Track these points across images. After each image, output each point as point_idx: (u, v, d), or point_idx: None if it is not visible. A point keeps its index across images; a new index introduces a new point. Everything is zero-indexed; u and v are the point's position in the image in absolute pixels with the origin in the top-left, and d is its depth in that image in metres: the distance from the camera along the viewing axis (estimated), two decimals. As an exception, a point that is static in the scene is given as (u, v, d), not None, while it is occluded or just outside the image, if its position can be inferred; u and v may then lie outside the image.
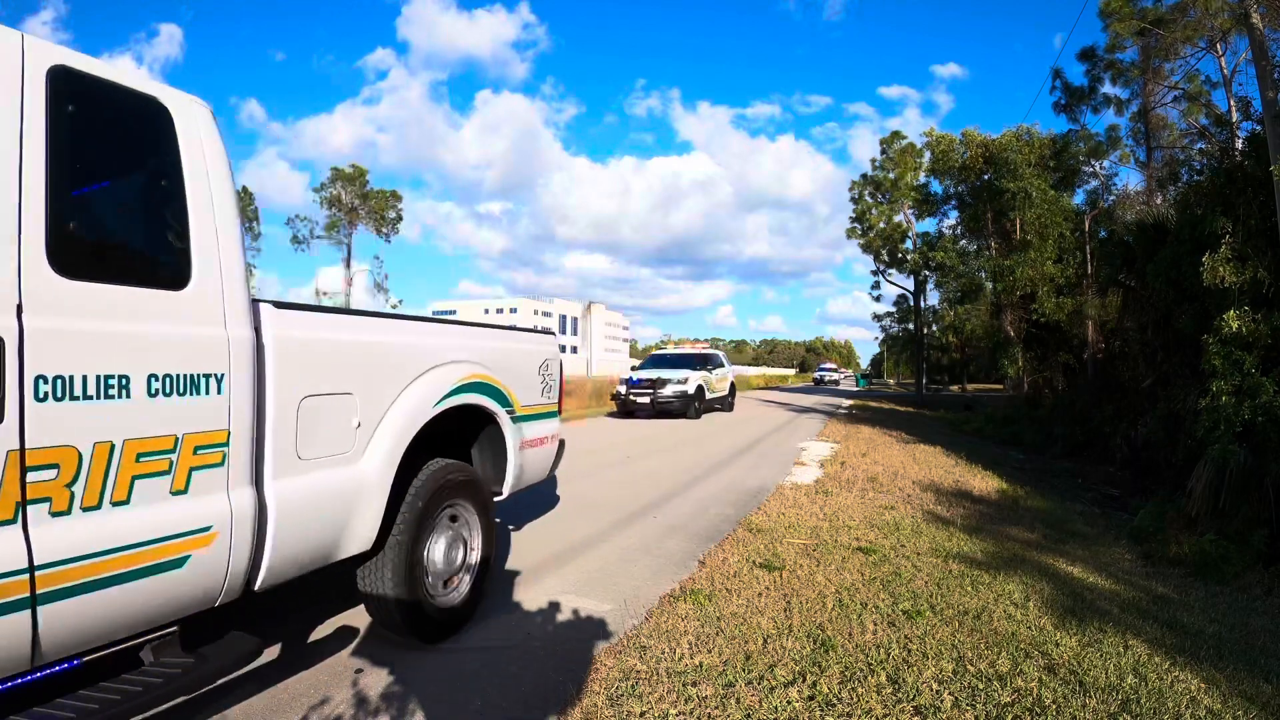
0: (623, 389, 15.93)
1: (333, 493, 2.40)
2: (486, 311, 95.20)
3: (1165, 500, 6.71)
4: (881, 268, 32.87)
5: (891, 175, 30.48)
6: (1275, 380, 5.98)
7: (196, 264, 1.97)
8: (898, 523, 5.73)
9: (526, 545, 4.76)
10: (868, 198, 31.72)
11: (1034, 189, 19.48)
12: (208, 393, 1.94)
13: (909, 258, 30.69)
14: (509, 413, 3.51)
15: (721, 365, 18.42)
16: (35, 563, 1.55)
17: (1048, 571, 4.54)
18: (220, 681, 2.15)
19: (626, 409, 15.74)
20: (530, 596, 3.72)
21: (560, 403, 4.29)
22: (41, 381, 1.57)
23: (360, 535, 2.54)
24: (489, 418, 3.42)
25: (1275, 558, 5.17)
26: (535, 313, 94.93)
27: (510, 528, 5.24)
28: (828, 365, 75.51)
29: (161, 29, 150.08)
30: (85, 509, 1.67)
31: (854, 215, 32.29)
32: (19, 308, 1.55)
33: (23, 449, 1.53)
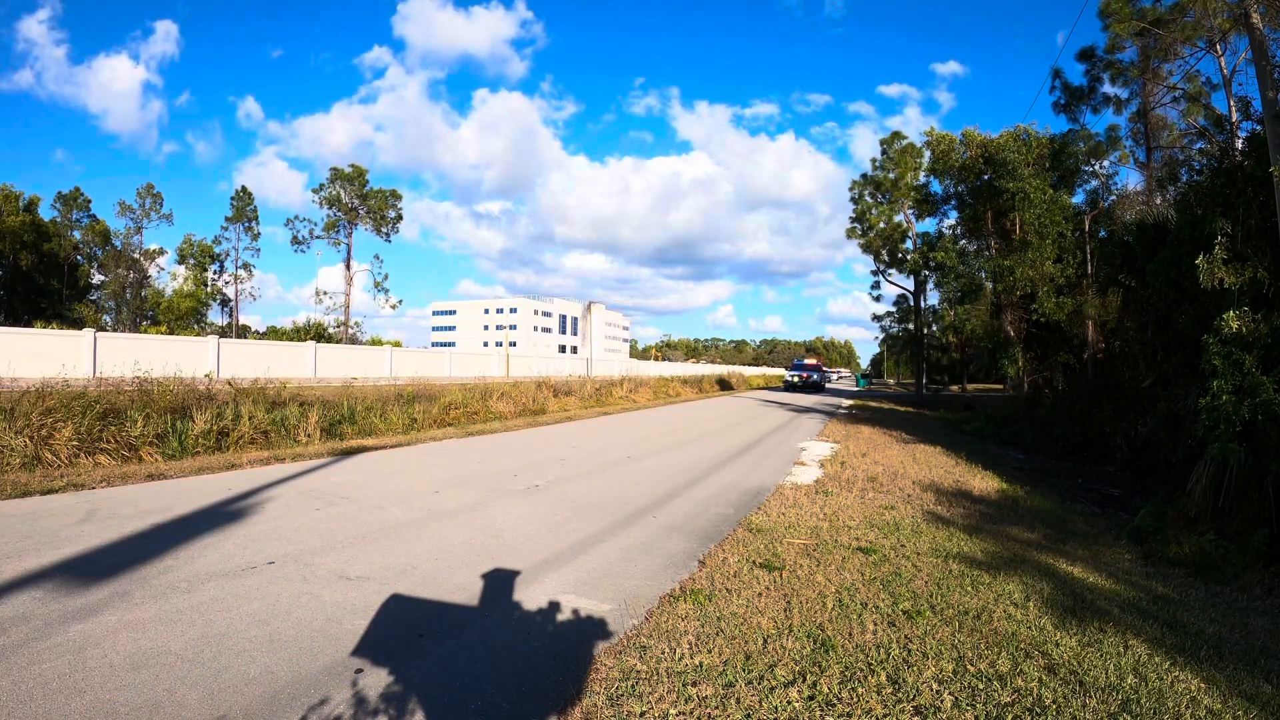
0: None
1: None
2: (487, 312, 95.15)
3: (1165, 500, 6.71)
4: (881, 268, 32.91)
5: (891, 175, 30.50)
6: (1275, 380, 5.98)
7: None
8: (898, 523, 5.73)
9: (526, 545, 4.75)
10: (868, 198, 31.74)
11: (1032, 189, 19.50)
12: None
13: (909, 258, 30.72)
14: None
15: None
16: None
17: (1048, 571, 4.54)
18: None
19: None
20: (530, 596, 3.72)
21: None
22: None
23: None
24: None
25: (1275, 558, 5.17)
26: (535, 312, 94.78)
27: (510, 527, 5.24)
28: (807, 361, 45.98)
29: (158, 26, 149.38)
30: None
31: (854, 215, 32.34)
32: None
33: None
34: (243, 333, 51.85)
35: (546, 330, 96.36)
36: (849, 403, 28.65)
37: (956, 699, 2.65)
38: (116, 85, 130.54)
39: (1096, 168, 21.49)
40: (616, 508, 6.11)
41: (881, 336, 38.74)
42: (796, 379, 41.34)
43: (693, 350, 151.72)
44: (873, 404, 28.65)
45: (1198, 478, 6.27)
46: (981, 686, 2.76)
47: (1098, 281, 17.25)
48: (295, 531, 4.87)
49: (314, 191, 46.94)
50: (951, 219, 29.13)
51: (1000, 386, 34.69)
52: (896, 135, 30.54)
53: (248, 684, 2.61)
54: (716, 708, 2.54)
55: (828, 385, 54.78)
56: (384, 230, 48.29)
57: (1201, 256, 6.92)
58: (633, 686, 2.67)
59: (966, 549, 5.00)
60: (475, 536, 4.94)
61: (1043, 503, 7.36)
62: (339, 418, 10.63)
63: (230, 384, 10.36)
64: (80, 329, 21.07)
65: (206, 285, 51.60)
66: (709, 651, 3.01)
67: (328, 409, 10.64)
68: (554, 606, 3.57)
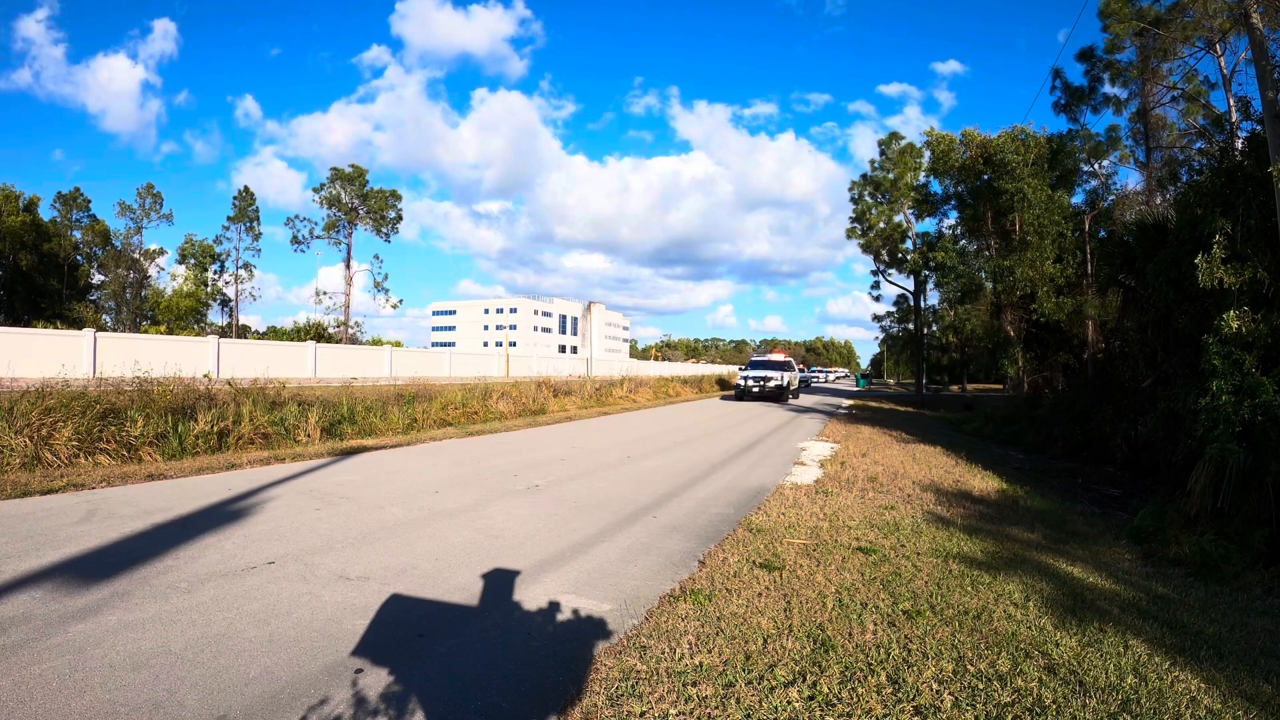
0: None
1: None
2: (487, 312, 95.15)
3: (1165, 500, 6.71)
4: (881, 268, 32.93)
5: (891, 175, 30.52)
6: (1275, 380, 5.98)
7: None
8: (898, 523, 5.73)
9: (527, 545, 4.75)
10: (868, 198, 31.76)
11: (1030, 189, 19.50)
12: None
13: (909, 258, 30.73)
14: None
15: None
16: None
17: (1048, 571, 4.54)
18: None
19: None
20: (530, 596, 3.72)
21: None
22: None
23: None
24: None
25: (1275, 558, 5.17)
26: (535, 312, 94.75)
27: (511, 527, 5.24)
28: (770, 357, 31.24)
29: (156, 25, 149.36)
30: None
31: (854, 215, 32.35)
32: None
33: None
34: (243, 333, 51.85)
35: (546, 330, 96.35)
36: (849, 403, 28.66)
37: (956, 699, 2.65)
38: (115, 85, 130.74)
39: (1096, 168, 21.52)
40: (616, 507, 6.11)
41: (881, 336, 38.76)
42: (753, 385, 25.89)
43: (693, 350, 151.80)
44: (872, 404, 28.66)
45: (1197, 478, 6.26)
46: (981, 686, 2.76)
47: (1098, 281, 17.26)
48: (295, 531, 4.87)
49: (314, 191, 47.02)
50: (951, 219, 29.21)
51: (1000, 386, 34.71)
52: (895, 135, 30.57)
53: (248, 684, 2.61)
54: (716, 708, 2.54)
55: (817, 385, 47.11)
56: (384, 230, 48.31)
57: (1200, 256, 6.91)
58: (633, 686, 2.67)
59: (966, 549, 5.00)
60: (475, 536, 4.94)
61: (1043, 503, 7.36)
62: (339, 418, 10.63)
63: (230, 384, 10.35)
64: (80, 329, 21.06)
65: (206, 285, 51.61)
66: (709, 651, 3.01)
67: (328, 409, 10.64)
68: (554, 606, 3.57)
